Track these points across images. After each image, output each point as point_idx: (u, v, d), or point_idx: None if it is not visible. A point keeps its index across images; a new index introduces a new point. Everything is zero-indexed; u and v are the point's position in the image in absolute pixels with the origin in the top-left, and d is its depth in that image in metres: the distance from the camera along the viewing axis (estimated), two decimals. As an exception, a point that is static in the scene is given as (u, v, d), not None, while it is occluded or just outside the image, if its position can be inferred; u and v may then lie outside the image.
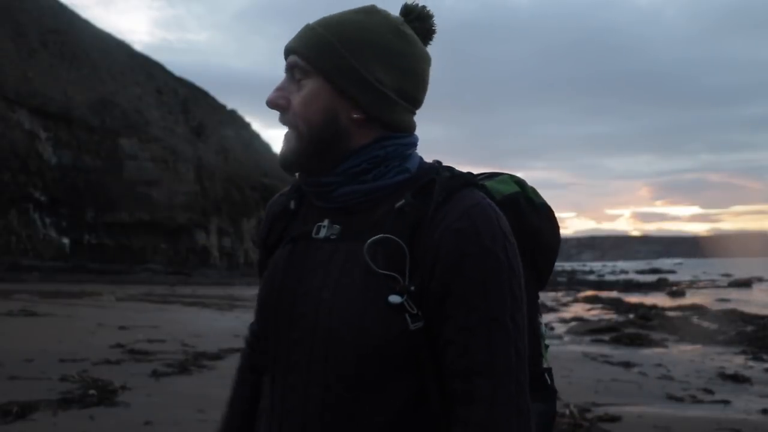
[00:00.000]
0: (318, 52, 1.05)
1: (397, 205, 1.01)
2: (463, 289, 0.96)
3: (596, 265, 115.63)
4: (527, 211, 1.13)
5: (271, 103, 1.08)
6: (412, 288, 0.97)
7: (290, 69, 1.08)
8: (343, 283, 1.00)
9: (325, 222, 1.07)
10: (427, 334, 0.98)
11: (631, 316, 16.31)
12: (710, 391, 7.09)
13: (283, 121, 1.08)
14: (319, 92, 1.05)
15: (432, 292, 0.97)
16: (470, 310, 0.96)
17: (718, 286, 34.86)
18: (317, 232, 1.07)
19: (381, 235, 0.98)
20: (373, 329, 0.96)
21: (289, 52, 1.09)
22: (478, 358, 0.95)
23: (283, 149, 1.09)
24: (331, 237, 1.05)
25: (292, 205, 1.14)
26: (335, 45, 1.05)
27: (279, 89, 1.08)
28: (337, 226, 1.05)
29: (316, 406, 1.01)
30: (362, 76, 1.04)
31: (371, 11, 1.09)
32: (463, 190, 1.02)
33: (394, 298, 0.96)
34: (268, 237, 1.17)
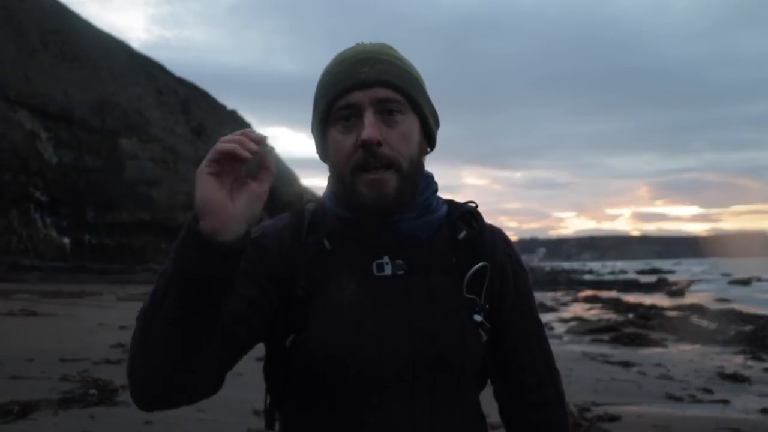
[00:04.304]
0: (415, 91, 1.09)
1: (461, 236, 1.12)
2: (521, 301, 1.18)
3: (596, 265, 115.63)
4: None
5: (374, 141, 1.01)
6: (487, 306, 1.12)
7: (382, 102, 1.04)
8: (437, 312, 1.07)
9: (386, 258, 1.08)
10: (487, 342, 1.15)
11: (631, 315, 16.31)
12: (709, 391, 7.09)
13: (377, 159, 1.02)
14: (414, 129, 1.09)
15: (498, 306, 1.15)
16: (526, 317, 1.19)
17: (718, 286, 34.82)
18: (380, 270, 1.07)
19: (481, 263, 1.11)
20: (472, 347, 1.09)
21: (379, 84, 1.04)
22: (538, 351, 1.20)
23: (382, 190, 1.03)
24: (399, 273, 1.07)
25: (328, 244, 1.09)
26: (422, 85, 1.13)
27: (375, 125, 1.03)
28: (401, 261, 1.08)
29: None
30: (436, 117, 1.15)
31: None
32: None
33: (477, 317, 1.10)
34: (304, 281, 1.06)
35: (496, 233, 1.18)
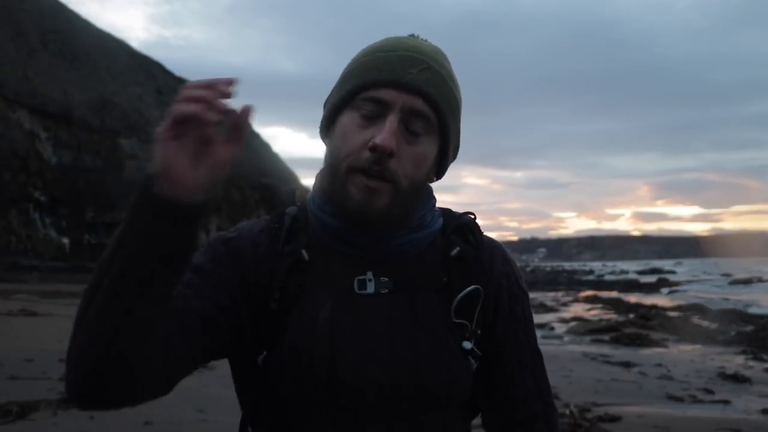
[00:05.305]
0: (451, 116, 0.99)
1: (453, 253, 1.02)
2: (516, 327, 1.07)
3: (596, 265, 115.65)
4: None
5: (388, 150, 0.91)
6: (479, 332, 1.02)
7: (413, 113, 0.94)
8: (422, 338, 0.97)
9: (369, 275, 0.98)
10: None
11: (631, 316, 16.32)
12: (710, 391, 7.09)
13: (380, 168, 0.92)
14: (431, 154, 0.99)
15: (491, 331, 1.05)
16: (521, 345, 1.07)
17: (719, 286, 34.84)
18: (362, 287, 0.97)
19: (473, 287, 1.00)
20: (460, 377, 0.99)
21: (420, 93, 0.94)
22: (532, 383, 1.07)
23: (373, 201, 0.93)
24: (383, 291, 0.98)
25: (306, 255, 0.98)
26: (460, 112, 1.02)
27: (395, 134, 0.92)
28: (386, 279, 0.98)
29: None
30: (457, 150, 1.04)
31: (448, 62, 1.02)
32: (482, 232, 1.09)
33: (467, 344, 1.00)
34: (278, 294, 0.96)
35: (496, 249, 1.07)
